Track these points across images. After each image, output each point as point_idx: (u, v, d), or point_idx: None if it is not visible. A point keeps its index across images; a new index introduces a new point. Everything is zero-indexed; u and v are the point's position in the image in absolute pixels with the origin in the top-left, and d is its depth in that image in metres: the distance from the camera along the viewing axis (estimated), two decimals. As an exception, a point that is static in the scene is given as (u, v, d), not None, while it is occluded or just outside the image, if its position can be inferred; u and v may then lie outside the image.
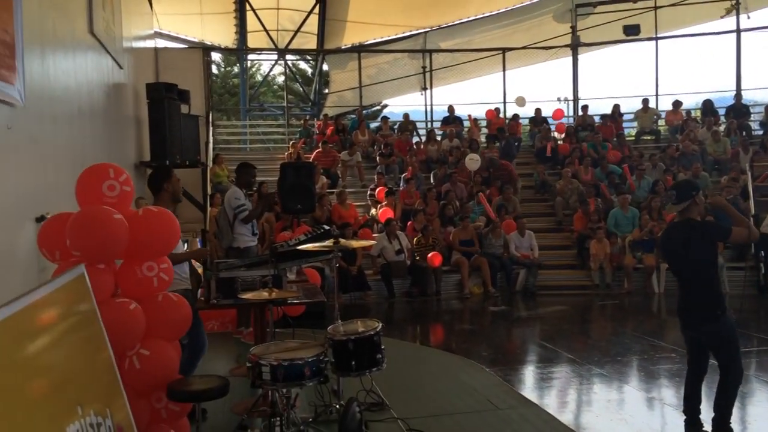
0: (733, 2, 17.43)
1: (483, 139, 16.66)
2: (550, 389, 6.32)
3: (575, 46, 19.03)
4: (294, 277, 5.98)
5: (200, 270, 6.05)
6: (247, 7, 19.12)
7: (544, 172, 14.53)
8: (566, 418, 5.32)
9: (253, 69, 27.81)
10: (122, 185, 3.81)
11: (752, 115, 16.47)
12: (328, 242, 4.78)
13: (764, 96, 16.84)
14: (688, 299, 4.66)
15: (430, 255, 10.92)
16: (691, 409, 4.79)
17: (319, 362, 3.93)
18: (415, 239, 11.38)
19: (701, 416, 4.79)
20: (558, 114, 17.48)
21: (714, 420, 4.61)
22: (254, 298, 4.30)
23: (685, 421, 4.83)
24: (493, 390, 5.88)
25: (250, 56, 21.98)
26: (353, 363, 4.12)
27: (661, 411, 5.71)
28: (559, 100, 20.99)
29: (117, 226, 3.54)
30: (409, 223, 11.86)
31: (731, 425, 4.61)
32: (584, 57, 19.73)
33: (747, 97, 17.39)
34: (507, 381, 6.33)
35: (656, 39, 18.65)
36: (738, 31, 17.82)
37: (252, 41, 19.87)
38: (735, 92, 17.29)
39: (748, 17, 17.98)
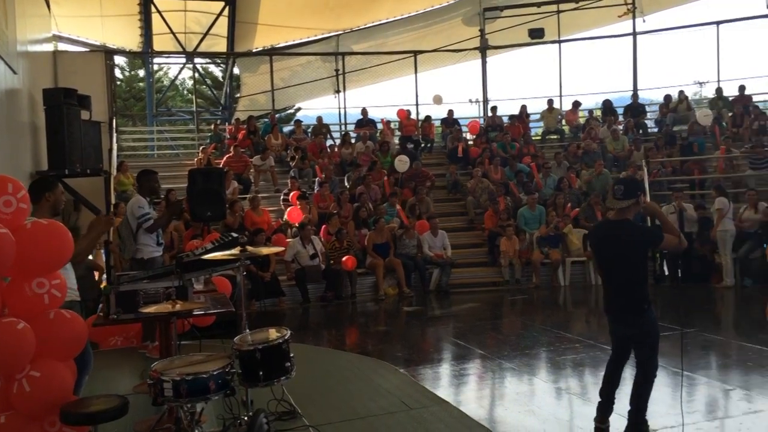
0: (629, 6, 18.36)
1: (396, 141, 16.85)
2: (462, 386, 6.45)
3: (484, 49, 19.53)
4: (202, 287, 5.84)
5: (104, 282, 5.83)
6: (153, 9, 18.56)
7: (455, 172, 14.83)
8: (478, 413, 5.45)
9: (160, 73, 27.04)
10: (19, 202, 3.63)
11: (648, 114, 17.36)
12: (235, 250, 4.68)
13: (659, 95, 17.77)
14: (616, 296, 4.71)
15: (344, 258, 10.94)
16: (606, 390, 4.88)
17: (224, 375, 3.86)
18: (329, 243, 11.37)
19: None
20: (473, 126, 17.91)
21: (630, 413, 4.73)
22: (156, 311, 4.18)
23: (599, 402, 4.89)
24: (406, 390, 5.94)
25: (157, 59, 21.35)
26: (261, 373, 4.05)
27: (568, 400, 5.93)
28: (470, 101, 21.53)
29: (1, 241, 3.36)
30: (323, 226, 11.83)
31: (646, 418, 4.76)
32: (493, 59, 20.30)
33: (643, 96, 18.38)
34: (421, 380, 6.42)
35: (559, 42, 19.38)
36: (634, 34, 18.78)
37: (158, 44, 19.30)
38: (632, 92, 18.21)
39: (644, 21, 19.01)
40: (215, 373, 3.79)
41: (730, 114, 15.39)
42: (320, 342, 8.63)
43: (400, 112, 17.72)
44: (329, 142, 16.50)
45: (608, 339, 7.82)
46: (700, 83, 22.35)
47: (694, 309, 9.64)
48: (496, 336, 8.67)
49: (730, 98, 16.11)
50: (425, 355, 7.77)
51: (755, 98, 16.18)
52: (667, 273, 11.56)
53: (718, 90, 16.73)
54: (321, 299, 10.95)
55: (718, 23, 17.91)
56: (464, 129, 17.73)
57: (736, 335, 8.12)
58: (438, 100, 17.67)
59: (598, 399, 4.91)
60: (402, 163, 13.68)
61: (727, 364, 6.79)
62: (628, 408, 4.75)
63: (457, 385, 6.49)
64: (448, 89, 25.81)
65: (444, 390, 6.20)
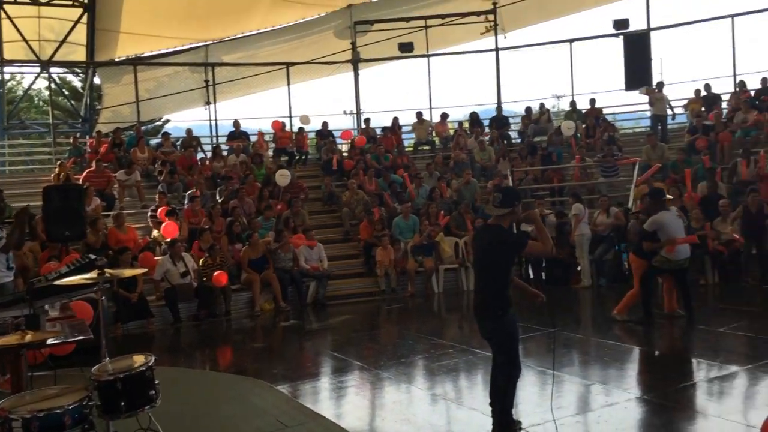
0: (491, 24, 19.28)
1: (270, 153, 16.65)
2: (341, 399, 6.42)
3: (355, 62, 19.76)
4: (58, 314, 5.45)
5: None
6: (2, 15, 17.23)
7: (330, 183, 14.86)
8: (356, 426, 5.45)
9: (13, 83, 25.10)
10: None
11: (511, 125, 18.29)
12: (93, 273, 4.39)
13: (521, 108, 18.78)
14: (478, 297, 4.89)
15: (216, 274, 10.60)
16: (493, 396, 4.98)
17: (81, 408, 3.61)
18: (201, 259, 10.99)
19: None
20: (346, 134, 18.08)
21: (494, 413, 4.89)
22: (2, 344, 3.84)
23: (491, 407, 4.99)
24: (283, 408, 5.84)
25: (7, 68, 19.77)
26: (123, 403, 3.83)
27: (443, 406, 6.06)
28: (345, 113, 21.69)
29: None
30: (195, 243, 11.43)
31: (513, 416, 4.97)
32: (365, 72, 20.60)
33: (507, 108, 19.33)
34: (299, 397, 6.34)
35: (428, 56, 20.01)
36: (497, 49, 19.76)
37: (9, 52, 17.92)
38: (496, 105, 19.12)
39: (505, 37, 20.06)
40: (71, 407, 3.54)
41: (583, 125, 16.52)
42: (193, 363, 8.30)
43: (275, 124, 17.55)
44: (200, 155, 16.02)
45: (480, 343, 8.17)
46: (558, 96, 23.86)
47: (557, 310, 10.18)
48: (374, 346, 8.74)
49: (583, 111, 17.30)
50: (303, 370, 7.67)
51: (605, 111, 17.46)
52: (531, 276, 12.18)
53: (572, 103, 17.93)
54: (193, 318, 10.54)
55: (571, 41, 19.24)
56: (339, 141, 17.84)
57: (594, 333, 8.66)
58: (305, 120, 17.63)
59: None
60: (283, 177, 13.48)
61: (586, 361, 7.22)
62: (490, 408, 4.92)
63: (335, 398, 6.46)
64: (322, 101, 25.99)
65: (322, 405, 6.15)
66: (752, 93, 15.61)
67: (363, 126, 18.09)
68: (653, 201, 8.58)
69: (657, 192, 8.94)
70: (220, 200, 13.28)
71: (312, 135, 18.21)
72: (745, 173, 12.22)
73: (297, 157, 16.75)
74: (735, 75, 17.17)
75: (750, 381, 6.13)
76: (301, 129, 17.41)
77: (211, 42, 19.84)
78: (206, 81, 19.09)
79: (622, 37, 17.96)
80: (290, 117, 18.74)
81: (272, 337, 9.89)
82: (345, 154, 16.60)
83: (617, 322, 8.63)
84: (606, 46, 18.86)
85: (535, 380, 6.41)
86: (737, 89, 16.01)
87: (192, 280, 10.60)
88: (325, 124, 17.69)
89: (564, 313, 9.84)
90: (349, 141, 17.48)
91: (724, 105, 15.98)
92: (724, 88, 16.80)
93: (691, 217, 10.99)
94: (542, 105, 17.94)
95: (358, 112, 19.79)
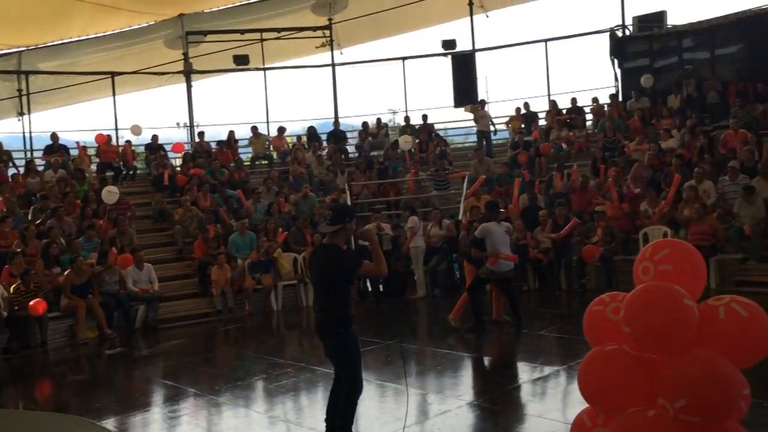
0: (326, 39, 19.49)
1: (94, 168, 15.55)
2: (173, 430, 6.06)
3: (188, 73, 19.06)
4: None
5: None
6: None
7: (162, 200, 14.16)
8: (185, 457, 5.17)
9: None
10: None
11: (349, 140, 18.55)
12: None
13: (357, 122, 19.09)
14: (319, 316, 4.90)
15: (32, 303, 9.63)
16: (329, 413, 4.94)
17: None
18: (13, 286, 9.93)
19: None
20: (178, 147, 17.29)
21: (334, 429, 4.87)
22: None
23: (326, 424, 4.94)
24: (106, 446, 5.39)
25: None
26: None
27: (283, 428, 5.92)
28: (178, 125, 20.81)
29: None
30: (5, 267, 10.32)
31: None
32: (199, 84, 19.94)
33: (344, 123, 19.55)
34: (124, 431, 5.90)
35: (264, 69, 19.79)
36: (333, 65, 19.99)
37: None
38: (334, 119, 19.31)
39: (341, 53, 20.35)
40: None
41: (417, 140, 17.14)
42: (3, 402, 7.46)
43: (99, 137, 16.37)
44: (11, 171, 14.57)
45: (320, 360, 8.13)
46: (393, 111, 24.63)
47: (394, 321, 10.41)
48: (209, 370, 8.38)
49: (416, 126, 17.96)
50: (131, 401, 7.15)
51: (436, 126, 18.25)
52: (370, 290, 12.36)
53: (406, 118, 18.57)
54: (4, 351, 9.48)
55: (403, 58, 19.94)
56: (171, 155, 17.06)
57: (429, 342, 8.94)
58: (137, 131, 16.66)
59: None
60: (111, 194, 12.42)
61: (422, 371, 7.39)
62: (324, 424, 4.89)
63: (167, 430, 6.08)
64: (153, 113, 24.66)
65: (153, 438, 5.78)
66: (564, 112, 17.07)
67: (197, 140, 17.43)
68: (489, 211, 9.09)
69: (493, 204, 9.53)
70: (34, 220, 12.11)
71: (141, 149, 17.28)
72: (560, 185, 13.30)
73: (124, 173, 15.76)
74: (549, 95, 18.71)
75: (567, 380, 6.61)
76: (128, 142, 16.43)
77: (25, 48, 18.18)
78: (19, 90, 17.48)
79: (450, 56, 18.94)
80: (116, 129, 17.66)
81: (96, 367, 9.16)
82: (177, 169, 15.90)
83: (451, 332, 8.97)
84: (436, 65, 19.75)
85: (374, 393, 6.46)
86: (551, 108, 17.44)
87: (2, 309, 9.55)
88: (155, 137, 16.82)
89: (402, 325, 10.07)
90: (182, 155, 16.75)
91: (542, 122, 17.32)
92: (541, 106, 18.25)
93: (514, 228, 11.75)
94: (379, 120, 18.39)
95: (192, 125, 19.09)
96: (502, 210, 9.45)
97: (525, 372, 7.09)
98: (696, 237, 9.90)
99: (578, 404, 5.74)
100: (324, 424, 4.92)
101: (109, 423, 6.11)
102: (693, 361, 2.87)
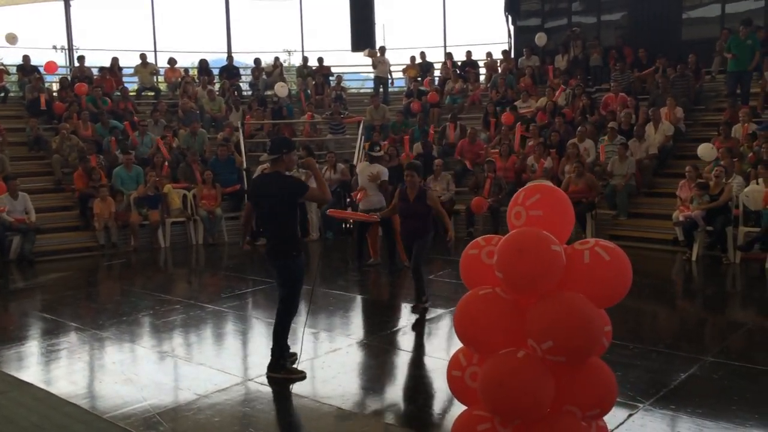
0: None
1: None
2: (52, 364, 5.85)
3: (67, -10, 17.63)
4: None
5: None
6: None
7: (37, 126, 13.21)
8: (68, 390, 5.04)
9: None
10: None
11: (242, 77, 17.95)
12: None
13: (250, 60, 18.44)
14: (271, 242, 5.19)
15: None
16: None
17: None
18: None
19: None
20: (51, 67, 16.00)
21: (272, 348, 5.23)
22: None
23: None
24: (-21, 379, 5.16)
25: None
26: None
27: (171, 363, 5.87)
28: (55, 48, 19.29)
29: None
30: None
31: (289, 345, 5.33)
32: (79, 4, 18.46)
33: (238, 59, 18.86)
34: (0, 364, 5.64)
35: (153, -6, 18.61)
36: (227, -5, 19.13)
37: None
38: (227, 54, 18.58)
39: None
40: None
41: (313, 82, 16.89)
42: None
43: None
44: None
45: (208, 298, 8.09)
46: (289, 52, 23.99)
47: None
48: (91, 305, 8.10)
49: (313, 68, 17.66)
50: (5, 334, 6.81)
51: (333, 69, 18.03)
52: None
53: (305, 59, 18.19)
54: None
55: (301, -2, 19.40)
56: (47, 78, 15.84)
57: (320, 283, 9.02)
58: (12, 39, 15.25)
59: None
60: None
61: (314, 310, 7.47)
62: (270, 346, 5.25)
63: (45, 363, 5.87)
64: (26, 33, 22.67)
65: (29, 371, 5.58)
66: (459, 63, 17.37)
67: (77, 64, 16.25)
68: (369, 149, 9.46)
69: (371, 144, 9.87)
70: None
71: (13, 70, 15.91)
72: (453, 136, 13.65)
73: (-6, 95, 14.52)
74: (445, 46, 18.94)
75: (451, 322, 6.94)
76: (-2, 61, 15.08)
77: None
78: None
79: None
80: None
81: (-35, 301, 8.60)
82: (54, 94, 14.81)
83: (342, 273, 9.14)
84: (335, 6, 19.37)
85: (265, 331, 6.50)
86: (446, 60, 17.69)
87: None
88: (26, 57, 15.50)
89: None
90: (59, 80, 15.55)
91: (437, 73, 17.56)
92: (436, 57, 18.45)
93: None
94: (276, 59, 17.90)
95: (71, 49, 17.76)
96: (381, 153, 9.51)
97: (413, 314, 7.37)
98: (575, 194, 10.54)
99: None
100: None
101: (-20, 358, 5.83)
102: (558, 304, 2.98)
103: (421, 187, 7.05)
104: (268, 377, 5.20)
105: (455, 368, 3.36)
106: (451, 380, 3.38)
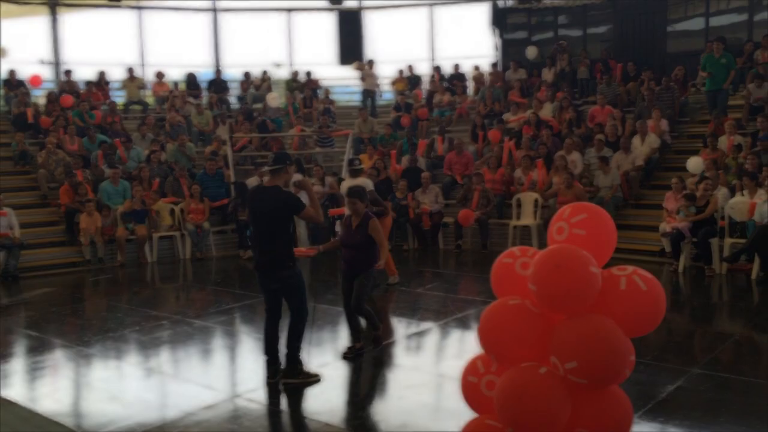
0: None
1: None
2: (35, 381, 5.79)
3: (53, 5, 17.59)
4: None
5: None
6: None
7: (23, 141, 13.13)
8: (53, 408, 4.99)
9: None
10: None
11: (231, 90, 17.93)
12: None
13: (239, 73, 18.39)
14: (267, 256, 5.21)
15: None
16: (271, 348, 5.37)
17: None
18: None
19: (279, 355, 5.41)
20: (35, 80, 15.93)
21: (287, 355, 5.33)
22: None
23: (267, 360, 5.37)
24: (-38, 398, 5.08)
25: None
26: None
27: (157, 381, 5.82)
28: (42, 62, 19.16)
29: None
30: None
31: (300, 357, 5.37)
32: (67, 18, 18.35)
33: (227, 72, 18.83)
34: (-21, 382, 5.57)
35: (139, 9, 18.61)
36: (215, 10, 19.16)
37: None
38: (215, 68, 18.58)
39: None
40: None
41: (302, 96, 16.91)
42: None
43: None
44: None
45: (196, 313, 8.03)
46: (278, 65, 23.99)
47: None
48: (76, 321, 8.01)
49: (302, 81, 17.69)
50: (-12, 352, 6.73)
51: (322, 83, 18.07)
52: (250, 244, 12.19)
53: (294, 73, 18.22)
54: None
55: (289, 10, 19.45)
56: (34, 92, 15.74)
57: (309, 297, 8.94)
58: (2, 53, 15.18)
59: (265, 358, 5.39)
60: None
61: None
62: (285, 351, 5.34)
63: (29, 381, 5.82)
64: (13, 47, 22.40)
65: (13, 389, 5.48)
66: (446, 77, 17.44)
67: (64, 78, 16.19)
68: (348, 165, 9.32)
69: (349, 160, 9.62)
70: None
71: (-1, 84, 15.82)
72: (441, 149, 13.68)
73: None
74: (433, 59, 19.01)
75: (441, 335, 6.95)
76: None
77: None
78: None
79: (336, 11, 18.73)
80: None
81: (-52, 317, 8.49)
82: (41, 109, 14.73)
83: (332, 287, 9.10)
84: (322, 20, 19.40)
85: (253, 347, 6.46)
86: (434, 73, 17.77)
87: None
88: (12, 72, 15.43)
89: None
90: (46, 95, 15.46)
91: (425, 86, 17.62)
92: (424, 70, 18.49)
93: (396, 188, 12.05)
94: (265, 72, 17.90)
95: (58, 62, 17.68)
96: (361, 167, 9.30)
97: (402, 327, 7.34)
98: (563, 204, 10.57)
99: (451, 358, 6.12)
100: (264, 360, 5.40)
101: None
102: (589, 326, 2.93)
103: (366, 214, 6.07)
104: (284, 384, 5.28)
105: (472, 374, 3.32)
106: (466, 386, 3.34)
